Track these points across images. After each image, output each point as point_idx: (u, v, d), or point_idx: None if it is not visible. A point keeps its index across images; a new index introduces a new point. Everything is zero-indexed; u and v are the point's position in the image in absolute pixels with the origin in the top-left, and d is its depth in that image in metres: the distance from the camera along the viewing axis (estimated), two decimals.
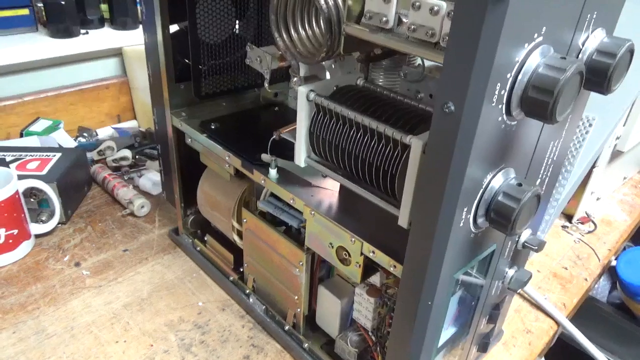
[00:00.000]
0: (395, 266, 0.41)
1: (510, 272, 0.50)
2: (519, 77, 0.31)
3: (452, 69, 0.30)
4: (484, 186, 0.36)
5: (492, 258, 0.44)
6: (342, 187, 0.52)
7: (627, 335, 0.88)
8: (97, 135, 1.02)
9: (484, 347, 0.56)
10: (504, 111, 0.32)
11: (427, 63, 0.47)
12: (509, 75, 0.31)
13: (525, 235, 0.47)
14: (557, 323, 0.67)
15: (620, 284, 0.88)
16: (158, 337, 0.59)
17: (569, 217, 0.88)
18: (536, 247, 0.47)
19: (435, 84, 0.48)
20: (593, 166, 0.80)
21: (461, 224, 0.36)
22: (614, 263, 0.89)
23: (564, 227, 0.86)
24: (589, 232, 0.86)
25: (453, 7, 0.32)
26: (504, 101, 0.32)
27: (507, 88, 0.31)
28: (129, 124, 1.11)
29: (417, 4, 0.33)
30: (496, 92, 0.31)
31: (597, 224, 0.87)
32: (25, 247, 0.71)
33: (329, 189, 0.52)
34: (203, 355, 0.57)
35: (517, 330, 0.65)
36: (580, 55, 0.37)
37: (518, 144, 0.37)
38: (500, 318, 0.56)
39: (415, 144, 0.36)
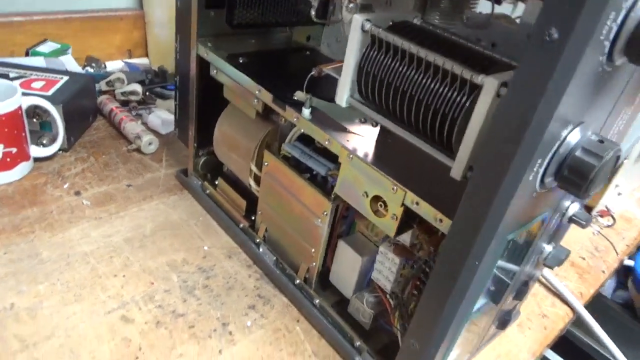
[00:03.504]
0: (441, 220, 0.37)
1: (548, 247, 0.47)
2: (633, 11, 0.27)
3: None
4: (560, 140, 0.32)
5: (541, 227, 0.41)
6: (380, 137, 0.48)
7: (633, 336, 0.86)
8: (105, 67, 0.97)
9: (503, 324, 0.53)
10: (606, 51, 0.28)
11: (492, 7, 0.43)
12: (624, 4, 0.26)
13: (574, 208, 0.44)
14: (573, 311, 0.64)
15: (637, 283, 0.86)
16: (159, 276, 0.56)
17: (588, 209, 0.85)
18: (584, 222, 0.44)
19: (501, 32, 0.43)
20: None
21: (530, 178, 0.32)
22: (626, 262, 0.87)
23: None
24: (608, 226, 0.83)
25: None
26: (611, 37, 0.28)
27: (620, 21, 0.27)
28: (140, 61, 1.05)
29: None
30: (607, 24, 0.26)
31: (617, 219, 0.84)
32: (23, 168, 0.67)
33: (366, 136, 0.48)
34: (206, 299, 0.54)
35: (533, 313, 0.62)
36: None
37: (603, 98, 0.33)
38: (526, 296, 0.53)
39: (489, 83, 0.32)
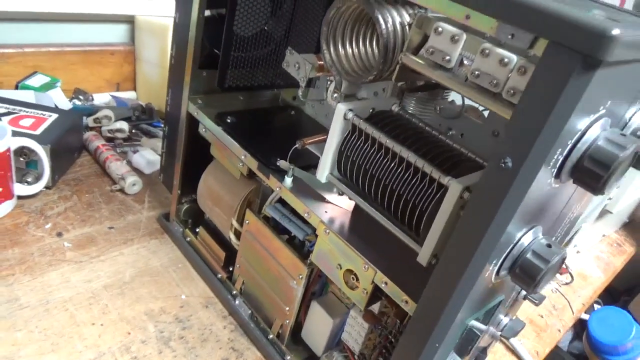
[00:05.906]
0: (407, 302, 0.41)
1: (505, 320, 0.51)
2: (578, 145, 0.31)
3: (519, 127, 0.29)
4: (514, 241, 0.36)
5: (497, 307, 0.44)
6: (356, 209, 0.51)
7: None
8: (92, 99, 0.99)
9: None
10: (554, 174, 0.33)
11: (462, 101, 0.48)
12: (569, 142, 0.31)
13: None
14: None
15: (590, 340, 0.91)
16: (137, 325, 0.57)
17: None
18: (537, 302, 0.48)
19: (469, 125, 0.48)
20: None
21: (486, 275, 0.36)
22: (583, 316, 0.92)
23: None
24: (566, 283, 0.88)
25: (524, 63, 0.32)
26: (558, 165, 0.32)
27: (565, 154, 0.31)
28: (127, 95, 1.07)
29: (487, 51, 0.33)
30: (555, 157, 0.31)
31: (574, 277, 0.90)
32: (6, 207, 0.68)
33: (343, 207, 0.51)
34: (181, 351, 0.56)
35: None
36: (625, 130, 0.37)
37: (552, 204, 0.37)
38: None
39: (454, 187, 0.36)
